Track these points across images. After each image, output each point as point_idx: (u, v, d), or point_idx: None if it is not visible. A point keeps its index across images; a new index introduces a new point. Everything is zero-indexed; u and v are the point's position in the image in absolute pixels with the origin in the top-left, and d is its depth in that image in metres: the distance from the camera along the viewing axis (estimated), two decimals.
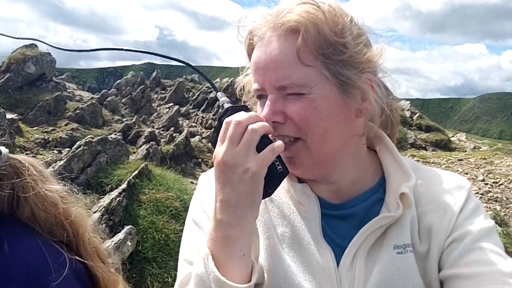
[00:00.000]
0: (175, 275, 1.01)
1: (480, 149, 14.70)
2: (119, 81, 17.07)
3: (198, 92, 16.26)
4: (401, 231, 0.92)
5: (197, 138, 12.23)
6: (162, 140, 11.70)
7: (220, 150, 0.85)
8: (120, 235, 4.31)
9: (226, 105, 0.93)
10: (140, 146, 10.12)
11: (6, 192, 0.86)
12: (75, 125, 10.57)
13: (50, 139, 9.30)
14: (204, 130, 13.77)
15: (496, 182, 9.05)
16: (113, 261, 1.06)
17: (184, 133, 11.46)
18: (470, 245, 0.89)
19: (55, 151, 8.80)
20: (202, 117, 14.68)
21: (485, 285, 0.82)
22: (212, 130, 13.19)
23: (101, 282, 0.94)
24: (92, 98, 13.43)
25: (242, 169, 0.82)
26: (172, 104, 15.69)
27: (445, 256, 0.91)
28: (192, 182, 7.18)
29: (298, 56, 0.87)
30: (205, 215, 1.02)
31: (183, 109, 15.12)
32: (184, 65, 1.05)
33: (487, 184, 8.99)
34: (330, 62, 0.88)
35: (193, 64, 1.07)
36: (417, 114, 17.52)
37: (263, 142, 0.85)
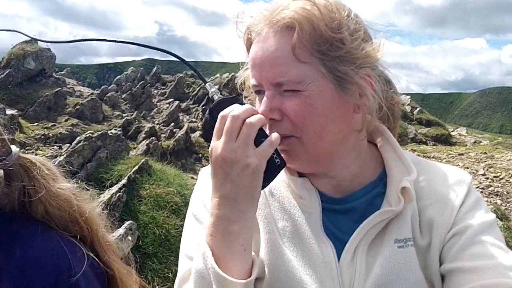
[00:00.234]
0: (176, 271, 1.01)
1: (481, 144, 14.68)
2: (119, 76, 17.05)
3: (198, 88, 16.24)
4: (402, 225, 0.92)
5: (197, 133, 12.23)
6: (163, 135, 11.70)
7: (217, 145, 0.84)
8: (120, 230, 4.31)
9: (216, 97, 0.92)
10: (140, 142, 10.13)
11: (16, 192, 0.86)
12: (75, 121, 10.56)
13: (50, 135, 9.30)
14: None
15: (497, 176, 9.05)
16: (125, 254, 1.06)
17: (185, 128, 11.46)
18: (471, 239, 0.89)
19: (55, 147, 8.80)
20: (202, 112, 14.67)
21: (486, 278, 0.82)
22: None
23: (117, 277, 0.95)
24: (92, 93, 13.40)
25: (243, 164, 0.81)
26: (172, 99, 15.69)
27: (446, 250, 0.90)
28: (192, 177, 7.19)
29: (294, 53, 0.86)
30: (205, 210, 1.01)
31: (183, 105, 15.12)
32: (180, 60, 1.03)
33: (487, 178, 8.99)
34: (327, 58, 0.87)
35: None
36: (418, 109, 17.49)
37: (259, 134, 0.84)
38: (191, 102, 15.60)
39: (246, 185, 0.82)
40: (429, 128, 15.65)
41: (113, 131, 6.83)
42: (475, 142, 15.16)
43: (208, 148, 0.88)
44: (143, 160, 5.73)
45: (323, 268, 0.91)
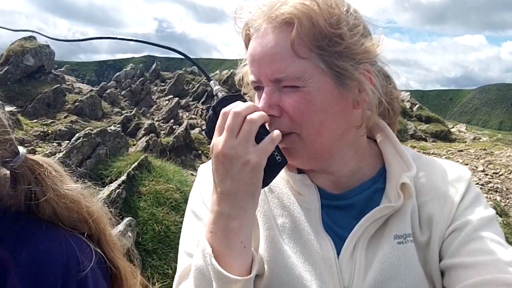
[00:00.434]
0: (175, 267, 1.01)
1: (480, 140, 14.70)
2: (118, 73, 17.01)
3: (198, 84, 16.21)
4: (401, 221, 0.92)
5: (197, 130, 12.22)
6: (162, 132, 11.69)
7: (218, 141, 0.84)
8: (120, 227, 4.31)
9: (221, 94, 0.92)
10: (140, 138, 10.11)
11: (23, 194, 0.86)
12: (74, 118, 10.53)
13: (50, 131, 9.28)
14: (204, 122, 13.75)
15: (496, 173, 9.06)
16: (128, 248, 1.07)
17: (184, 125, 11.44)
18: (471, 235, 0.88)
19: (54, 144, 8.79)
20: (202, 109, 14.65)
21: (486, 274, 0.82)
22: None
23: (122, 275, 0.96)
24: (91, 90, 13.38)
25: (243, 161, 0.81)
26: (171, 96, 15.65)
27: (446, 246, 0.90)
28: (192, 174, 7.18)
29: (293, 49, 0.86)
30: (205, 206, 1.01)
31: (183, 101, 15.08)
32: (182, 56, 1.03)
33: (487, 174, 9.00)
34: (326, 54, 0.87)
35: (192, 57, 1.05)
36: (417, 105, 17.47)
37: (260, 132, 0.84)
38: (190, 99, 15.57)
39: (246, 182, 0.82)
40: (429, 125, 15.65)
41: (112, 127, 6.82)
42: (474, 138, 15.17)
43: (208, 145, 0.88)
44: (142, 157, 5.73)
45: (322, 264, 0.91)
